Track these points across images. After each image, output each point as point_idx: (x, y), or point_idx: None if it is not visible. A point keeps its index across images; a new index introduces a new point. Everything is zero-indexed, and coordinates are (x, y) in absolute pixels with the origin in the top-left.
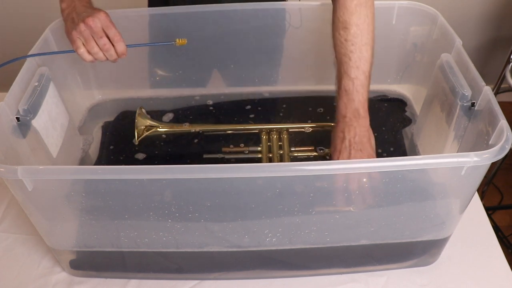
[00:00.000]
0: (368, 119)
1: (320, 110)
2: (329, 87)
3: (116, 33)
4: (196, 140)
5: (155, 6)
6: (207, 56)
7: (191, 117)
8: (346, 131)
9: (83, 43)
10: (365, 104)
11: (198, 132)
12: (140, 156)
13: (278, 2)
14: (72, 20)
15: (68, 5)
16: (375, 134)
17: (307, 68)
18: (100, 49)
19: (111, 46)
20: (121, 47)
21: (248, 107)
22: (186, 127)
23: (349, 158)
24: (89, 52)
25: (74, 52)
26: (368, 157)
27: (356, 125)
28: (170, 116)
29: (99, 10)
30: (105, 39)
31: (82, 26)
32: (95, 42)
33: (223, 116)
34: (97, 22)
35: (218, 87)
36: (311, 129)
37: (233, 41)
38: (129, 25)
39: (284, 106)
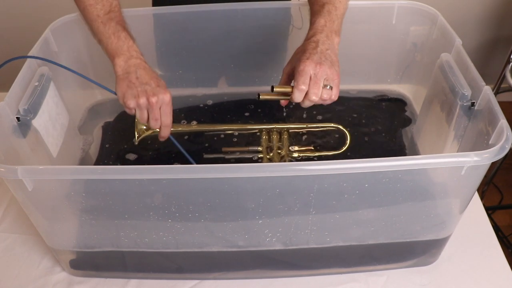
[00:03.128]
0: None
1: (321, 112)
2: None
3: (168, 120)
4: (196, 140)
5: (159, 5)
6: (207, 56)
7: (190, 117)
8: (321, 42)
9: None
10: (339, 32)
11: (198, 131)
12: (140, 156)
13: (279, 1)
14: (129, 84)
15: (125, 61)
16: (375, 134)
17: None
18: (148, 120)
19: (159, 126)
20: (165, 132)
21: (249, 107)
22: (185, 127)
23: (319, 65)
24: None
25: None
26: (337, 76)
27: (331, 42)
28: None
29: (164, 88)
30: (159, 122)
31: (143, 103)
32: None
33: (223, 116)
34: (159, 104)
35: (218, 87)
36: (311, 129)
37: (233, 41)
38: (132, 24)
39: (285, 106)
